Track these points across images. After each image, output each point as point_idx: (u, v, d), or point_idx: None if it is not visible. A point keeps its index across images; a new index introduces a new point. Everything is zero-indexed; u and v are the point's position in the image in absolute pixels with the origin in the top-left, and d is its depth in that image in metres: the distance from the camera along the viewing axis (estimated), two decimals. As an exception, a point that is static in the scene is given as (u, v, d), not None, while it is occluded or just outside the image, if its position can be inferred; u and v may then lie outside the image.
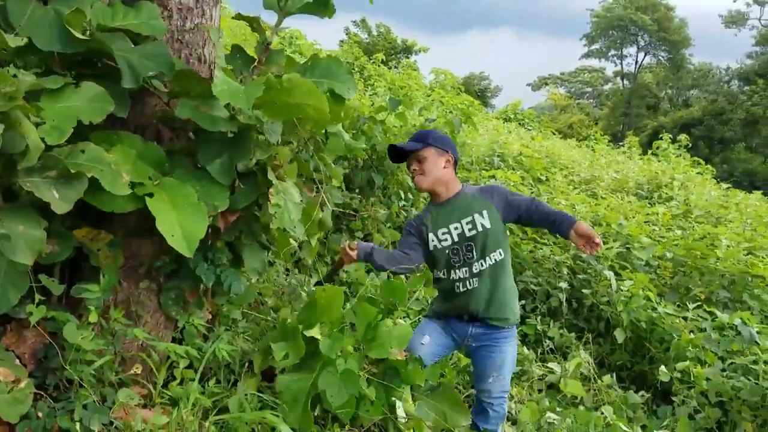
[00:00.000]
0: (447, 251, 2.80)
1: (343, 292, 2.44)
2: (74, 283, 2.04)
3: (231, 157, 2.06)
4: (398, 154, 2.91)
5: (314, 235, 2.61)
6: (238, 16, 2.36)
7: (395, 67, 17.77)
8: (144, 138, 2.24)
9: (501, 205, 2.79)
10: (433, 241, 2.83)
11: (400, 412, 2.35)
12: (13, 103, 1.53)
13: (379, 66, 15.74)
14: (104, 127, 1.98)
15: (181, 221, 1.81)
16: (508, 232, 2.88)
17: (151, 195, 1.85)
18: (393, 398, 2.37)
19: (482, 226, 2.75)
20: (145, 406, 2.07)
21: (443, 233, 2.80)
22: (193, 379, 2.12)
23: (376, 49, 30.03)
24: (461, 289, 2.77)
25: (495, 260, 2.76)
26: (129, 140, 1.98)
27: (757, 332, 4.01)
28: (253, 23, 2.27)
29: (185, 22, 2.37)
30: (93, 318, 1.98)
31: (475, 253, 2.76)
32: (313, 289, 2.90)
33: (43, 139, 1.67)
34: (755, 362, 3.74)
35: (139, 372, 2.13)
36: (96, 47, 1.95)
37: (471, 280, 2.76)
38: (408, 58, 32.97)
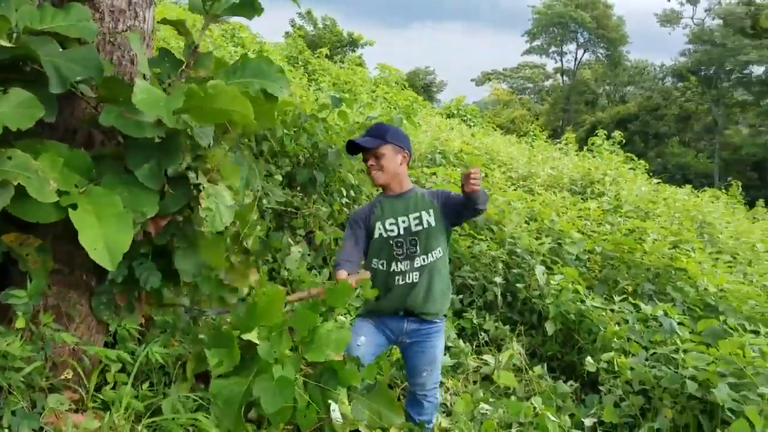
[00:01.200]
0: (391, 242, 2.91)
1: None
2: (2, 289, 2.02)
3: (159, 162, 2.07)
4: (355, 146, 2.97)
5: (249, 237, 2.63)
6: (164, 21, 2.36)
7: (341, 61, 17.74)
8: (75, 141, 2.23)
9: (443, 203, 2.92)
10: (379, 229, 2.94)
11: (336, 414, 2.37)
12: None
13: (324, 60, 15.71)
14: (33, 131, 1.96)
15: (105, 233, 1.82)
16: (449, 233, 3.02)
17: (74, 206, 1.85)
18: (328, 401, 2.39)
19: (428, 223, 2.88)
20: (77, 411, 2.07)
21: (391, 224, 2.92)
22: (126, 383, 2.13)
23: (322, 42, 29.88)
24: (400, 282, 2.88)
25: (435, 257, 2.90)
26: (55, 148, 1.97)
27: (678, 323, 4.23)
28: (179, 27, 2.27)
29: (117, 25, 2.36)
30: (21, 324, 1.97)
31: (418, 248, 2.89)
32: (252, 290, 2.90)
33: (-34, 148, 1.65)
34: (676, 351, 3.92)
35: (70, 377, 2.12)
36: (22, 53, 1.93)
37: (412, 273, 2.88)
38: (354, 51, 32.96)
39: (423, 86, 39.55)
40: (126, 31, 2.34)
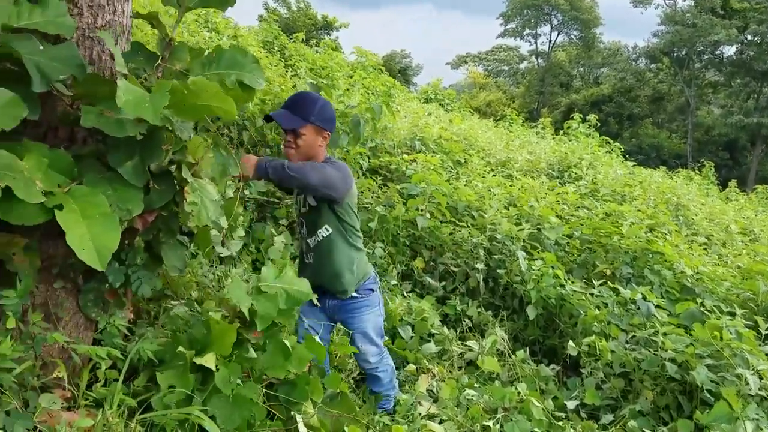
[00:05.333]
0: (297, 218, 3.01)
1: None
2: (-10, 290, 2.01)
3: (142, 159, 2.04)
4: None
5: (234, 229, 2.63)
6: (136, 15, 2.33)
7: (316, 45, 17.52)
8: (57, 138, 2.20)
9: None
10: (296, 203, 3.02)
11: (301, 428, 2.29)
12: None
13: (300, 45, 15.51)
14: (15, 130, 1.93)
15: (92, 233, 1.79)
16: (349, 208, 2.90)
17: (60, 207, 1.83)
18: (293, 412, 2.34)
19: (308, 205, 2.88)
20: (69, 410, 2.08)
21: (295, 202, 3.01)
22: (117, 380, 2.13)
23: (296, 26, 29.56)
24: (305, 261, 2.96)
25: (322, 236, 2.87)
26: (37, 148, 1.94)
27: (656, 306, 4.34)
28: (153, 20, 2.25)
29: (96, 20, 2.33)
30: (11, 324, 1.96)
31: (305, 230, 2.93)
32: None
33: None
34: (655, 334, 4.02)
35: (62, 375, 2.12)
36: (2, 52, 1.90)
37: (309, 253, 2.93)
38: (329, 35, 32.68)
39: (399, 70, 39.41)
40: (105, 26, 2.32)
